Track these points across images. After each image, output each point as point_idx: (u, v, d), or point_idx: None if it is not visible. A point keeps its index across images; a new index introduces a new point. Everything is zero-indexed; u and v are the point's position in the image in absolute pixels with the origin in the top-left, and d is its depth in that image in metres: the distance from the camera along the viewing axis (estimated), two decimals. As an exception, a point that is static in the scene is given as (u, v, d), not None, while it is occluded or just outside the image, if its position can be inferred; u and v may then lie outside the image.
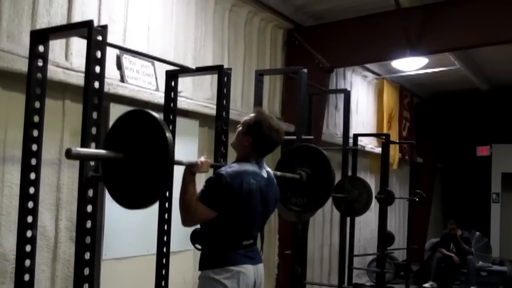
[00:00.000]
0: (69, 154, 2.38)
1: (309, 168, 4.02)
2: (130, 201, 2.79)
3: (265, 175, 3.15)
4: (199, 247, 3.09)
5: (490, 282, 9.46)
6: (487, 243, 11.01)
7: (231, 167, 3.02)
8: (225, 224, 2.98)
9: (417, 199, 9.53)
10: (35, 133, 2.92)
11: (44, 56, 2.95)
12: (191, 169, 2.90)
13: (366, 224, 9.82)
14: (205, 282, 2.99)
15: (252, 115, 3.17)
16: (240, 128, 3.17)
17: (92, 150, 2.67)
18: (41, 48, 2.93)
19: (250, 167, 3.06)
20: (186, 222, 2.95)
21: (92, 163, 2.48)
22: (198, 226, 3.10)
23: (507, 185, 13.10)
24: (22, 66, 3.55)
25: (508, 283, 9.14)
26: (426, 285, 9.31)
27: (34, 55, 2.91)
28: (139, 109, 2.86)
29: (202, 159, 3.01)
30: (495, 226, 12.87)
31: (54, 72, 3.87)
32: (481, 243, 10.76)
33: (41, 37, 2.94)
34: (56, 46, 4.03)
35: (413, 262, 9.83)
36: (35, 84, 2.91)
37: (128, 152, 2.67)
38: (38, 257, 3.59)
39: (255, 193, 3.02)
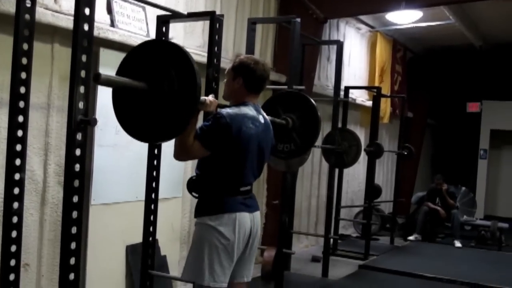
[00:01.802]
0: (98, 79, 2.39)
1: (294, 114, 4.01)
2: (145, 134, 2.82)
3: (262, 120, 3.14)
4: (196, 195, 3.09)
5: (473, 237, 9.64)
6: (473, 198, 11.16)
7: (232, 109, 3.01)
8: (223, 169, 2.98)
9: (405, 153, 9.62)
10: (23, 75, 2.88)
11: (32, -3, 2.89)
12: (198, 107, 2.87)
13: (354, 176, 9.91)
14: (201, 228, 2.99)
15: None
16: (227, 76, 3.15)
17: (120, 77, 2.70)
18: (29, -11, 2.87)
19: (249, 111, 3.05)
20: (179, 156, 2.94)
21: (81, 106, 2.45)
22: (195, 173, 3.09)
23: (495, 142, 13.23)
24: (9, 7, 3.47)
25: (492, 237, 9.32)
26: (411, 237, 9.46)
27: (22, -5, 2.85)
28: (163, 39, 2.80)
29: (211, 98, 2.97)
30: (481, 182, 13.05)
31: (42, 15, 3.79)
32: (467, 198, 10.91)
33: (29, -23, 2.87)
34: (44, -12, 3.94)
35: (399, 215, 9.98)
36: (23, 26, 2.86)
37: (151, 84, 2.68)
38: (27, 201, 3.60)
39: (253, 138, 3.01)
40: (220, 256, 2.93)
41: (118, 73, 2.79)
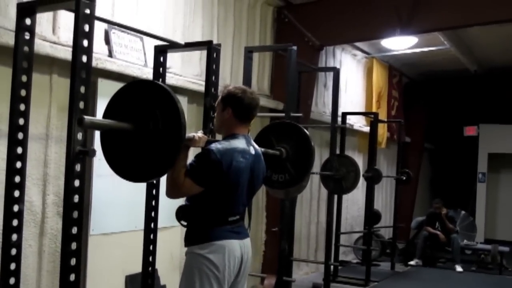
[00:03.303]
0: (81, 123, 2.40)
1: (287, 144, 4.01)
2: (133, 174, 2.82)
3: (253, 152, 3.14)
4: (185, 223, 3.09)
5: (474, 261, 9.59)
6: (472, 222, 11.13)
7: (221, 143, 3.01)
8: (211, 200, 2.98)
9: (404, 178, 9.62)
10: (22, 107, 2.89)
11: (31, 29, 2.92)
12: (186, 143, 2.89)
13: (353, 202, 9.89)
14: (191, 257, 2.99)
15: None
16: (217, 109, 3.18)
17: (104, 120, 2.72)
18: (28, 21, 2.89)
19: (239, 144, 3.05)
20: (171, 194, 2.95)
21: (80, 137, 2.46)
22: (183, 202, 3.09)
23: (493, 165, 13.24)
24: (8, 39, 3.51)
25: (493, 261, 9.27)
26: (412, 262, 9.41)
27: (21, 28, 2.87)
28: (148, 80, 2.85)
29: (200, 134, 3.00)
30: (481, 205, 13.03)
31: (41, 46, 3.84)
32: (466, 222, 10.88)
33: (28, 10, 2.90)
34: (43, 20, 3.99)
35: (399, 240, 9.94)
36: (22, 58, 2.88)
37: (137, 124, 2.69)
38: (25, 232, 3.59)
39: (243, 172, 3.02)
40: (212, 284, 2.92)
41: (105, 114, 2.80)
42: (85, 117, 2.41)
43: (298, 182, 4.16)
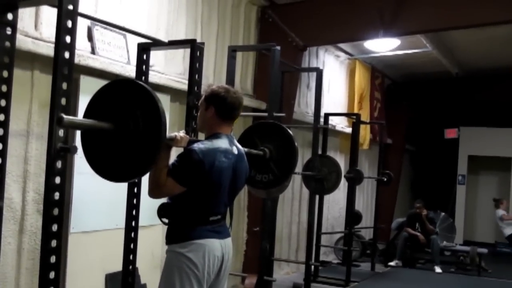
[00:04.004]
0: (60, 122, 2.37)
1: (271, 144, 4.02)
2: (113, 173, 2.80)
3: (235, 151, 3.14)
4: (166, 221, 3.08)
5: (453, 262, 9.68)
6: (452, 224, 11.23)
7: (204, 143, 3.00)
8: (193, 200, 2.97)
9: (385, 179, 9.68)
10: (3, 103, 2.87)
11: (13, 25, 2.89)
12: (168, 143, 2.88)
13: (335, 202, 9.93)
14: (171, 256, 2.99)
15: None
16: (200, 108, 3.17)
17: (84, 119, 2.69)
18: (9, 16, 2.87)
19: (222, 144, 3.05)
20: (153, 194, 2.94)
21: (61, 134, 2.44)
22: (165, 200, 3.09)
23: (473, 167, 13.39)
24: (-11, 34, 3.46)
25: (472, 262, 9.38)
26: (392, 263, 9.47)
27: (2, 23, 2.85)
28: (129, 78, 2.83)
29: (182, 133, 2.99)
30: (460, 207, 13.16)
31: (23, 42, 3.80)
32: (446, 224, 10.98)
33: (10, 4, 2.87)
34: (25, 15, 3.95)
35: (379, 241, 10.01)
36: (3, 53, 2.85)
37: (117, 124, 2.67)
38: (4, 229, 3.56)
39: (225, 172, 3.02)
40: (192, 282, 2.92)
41: (86, 113, 2.78)
42: (65, 116, 2.39)
43: (282, 182, 4.18)
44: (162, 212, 3.08)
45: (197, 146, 2.94)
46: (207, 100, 3.11)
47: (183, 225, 3.01)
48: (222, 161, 2.98)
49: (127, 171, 2.77)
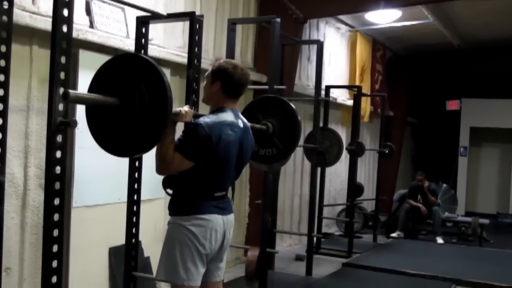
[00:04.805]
0: (66, 97, 2.36)
1: (274, 119, 4.02)
2: (119, 148, 2.81)
3: (241, 125, 3.12)
4: (170, 192, 3.08)
5: (455, 233, 9.74)
6: (454, 195, 11.26)
7: (209, 117, 2.98)
8: (200, 174, 2.96)
9: (386, 151, 9.68)
10: (2, 77, 2.87)
11: (10, -1, 2.88)
12: (173, 118, 2.86)
13: (336, 175, 9.96)
14: (174, 227, 3.00)
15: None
16: (206, 80, 3.14)
17: (89, 94, 2.68)
18: (6, -10, 2.85)
19: (227, 117, 3.03)
20: (161, 170, 2.93)
21: (61, 108, 2.44)
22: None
23: (475, 139, 13.37)
24: (-13, 9, 3.44)
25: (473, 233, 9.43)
26: (394, 234, 9.52)
27: (-1, -3, 2.83)
28: (133, 53, 2.80)
29: (186, 108, 2.96)
30: (462, 179, 13.19)
31: (20, 17, 3.76)
32: (448, 195, 11.00)
33: (6, -22, 2.86)
34: (22, -11, 3.92)
35: (381, 213, 10.06)
36: (0, 27, 2.84)
37: (122, 99, 2.66)
38: (7, 204, 3.58)
39: (232, 145, 3.01)
40: (193, 255, 2.94)
41: (90, 88, 2.78)
42: (70, 91, 2.39)
43: (285, 156, 4.20)
44: (167, 183, 3.09)
45: (202, 120, 2.92)
46: (214, 74, 3.08)
47: (187, 198, 3.01)
48: (228, 134, 2.97)
49: (133, 146, 2.77)
